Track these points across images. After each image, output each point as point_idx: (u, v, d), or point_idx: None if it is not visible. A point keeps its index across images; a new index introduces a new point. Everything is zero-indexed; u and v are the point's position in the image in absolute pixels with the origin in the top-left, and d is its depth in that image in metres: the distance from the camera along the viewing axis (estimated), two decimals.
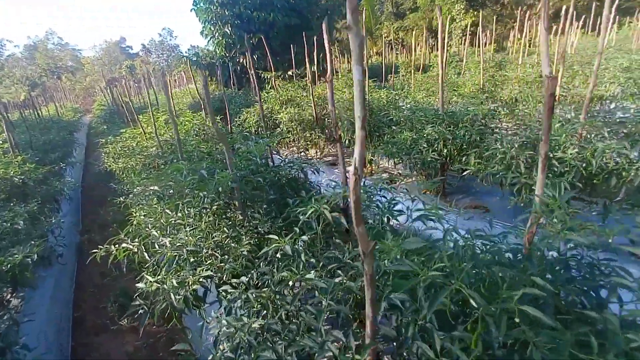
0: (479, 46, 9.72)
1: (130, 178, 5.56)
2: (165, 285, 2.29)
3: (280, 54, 14.58)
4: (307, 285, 1.87)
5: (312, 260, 2.07)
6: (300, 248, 2.03)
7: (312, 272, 1.98)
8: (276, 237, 2.07)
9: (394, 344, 1.71)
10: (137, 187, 3.30)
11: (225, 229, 2.66)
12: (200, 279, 2.40)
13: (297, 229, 2.17)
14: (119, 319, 4.41)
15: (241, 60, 14.74)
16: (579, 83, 6.81)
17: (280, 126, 7.54)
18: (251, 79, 5.86)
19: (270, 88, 8.87)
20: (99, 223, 7.25)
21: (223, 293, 2.27)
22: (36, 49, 56.61)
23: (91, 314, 4.71)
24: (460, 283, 1.19)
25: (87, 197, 9.23)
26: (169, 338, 4.05)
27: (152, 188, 2.93)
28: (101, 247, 2.76)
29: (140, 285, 2.38)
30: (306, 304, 1.90)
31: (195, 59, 14.48)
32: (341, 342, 1.56)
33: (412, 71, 11.16)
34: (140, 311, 2.14)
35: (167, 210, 2.96)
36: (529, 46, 12.14)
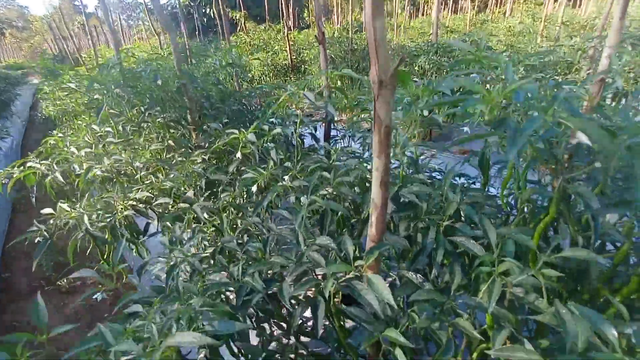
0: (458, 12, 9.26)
1: (70, 123, 4.67)
2: (81, 209, 1.65)
3: (252, 7, 13.37)
4: (279, 190, 1.30)
5: (288, 164, 1.50)
6: (271, 145, 1.44)
7: (287, 176, 1.41)
8: (235, 131, 1.46)
9: (402, 260, 1.21)
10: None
11: (171, 142, 2.02)
12: (133, 203, 1.78)
13: (266, 127, 1.57)
14: (56, 279, 3.72)
15: (208, 11, 13.36)
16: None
17: (251, 73, 6.73)
18: (219, 28, 5.02)
19: (239, 31, 7.90)
20: None
21: (161, 214, 1.67)
22: None
23: (23, 275, 3.96)
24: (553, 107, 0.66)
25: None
26: (116, 297, 3.42)
27: (69, 85, 2.19)
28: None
29: (46, 210, 1.72)
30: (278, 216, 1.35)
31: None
32: (331, 251, 1.02)
33: (395, 29, 10.54)
34: (38, 239, 1.50)
35: (94, 126, 2.25)
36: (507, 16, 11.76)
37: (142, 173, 1.94)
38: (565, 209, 0.90)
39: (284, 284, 0.97)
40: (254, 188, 1.37)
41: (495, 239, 0.82)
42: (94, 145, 2.14)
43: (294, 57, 6.74)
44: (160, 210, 1.95)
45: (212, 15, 13.51)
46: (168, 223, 1.87)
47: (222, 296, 1.10)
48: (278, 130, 1.45)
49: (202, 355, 1.32)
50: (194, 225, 1.69)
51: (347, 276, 0.89)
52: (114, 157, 1.76)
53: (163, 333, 0.72)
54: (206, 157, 1.94)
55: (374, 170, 0.88)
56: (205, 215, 1.62)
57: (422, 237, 1.10)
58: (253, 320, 1.26)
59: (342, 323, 1.02)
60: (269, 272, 1.15)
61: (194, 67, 2.52)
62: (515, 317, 0.76)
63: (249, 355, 1.00)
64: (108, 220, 1.75)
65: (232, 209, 1.63)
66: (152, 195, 1.83)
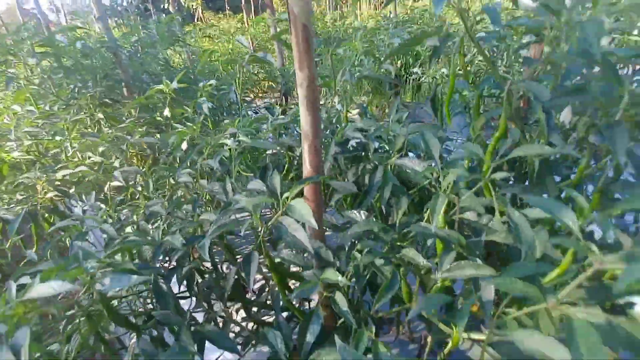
0: None
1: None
2: None
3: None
4: (215, 144, 1.14)
5: (227, 121, 1.34)
6: (203, 99, 1.28)
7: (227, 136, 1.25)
8: (160, 86, 1.29)
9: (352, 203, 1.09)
10: None
11: (101, 115, 1.80)
12: (58, 183, 1.57)
13: (201, 84, 1.40)
14: None
15: (166, 6, 12.83)
16: None
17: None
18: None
19: (197, 20, 7.55)
20: None
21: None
22: None
23: None
24: None
25: None
26: None
27: None
28: None
29: None
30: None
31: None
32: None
33: (359, 17, 10.55)
34: None
35: (16, 106, 1.99)
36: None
37: (69, 152, 1.72)
38: (519, 122, 0.81)
39: (206, 239, 0.82)
40: (184, 145, 1.20)
41: (439, 153, 0.71)
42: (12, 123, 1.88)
43: (255, 44, 6.57)
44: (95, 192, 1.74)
45: (170, 10, 13.00)
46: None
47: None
48: (212, 82, 1.29)
49: (133, 340, 1.15)
50: (130, 203, 1.50)
51: (277, 215, 0.75)
52: (24, 130, 1.53)
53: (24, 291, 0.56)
54: (142, 129, 1.75)
55: (298, 88, 0.74)
56: (140, 189, 1.44)
57: (369, 178, 0.98)
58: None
59: (281, 279, 0.88)
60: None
61: (127, 40, 2.30)
62: (465, 239, 0.65)
63: (175, 328, 0.85)
64: (31, 204, 1.53)
65: (172, 179, 1.46)
66: (80, 174, 1.61)
